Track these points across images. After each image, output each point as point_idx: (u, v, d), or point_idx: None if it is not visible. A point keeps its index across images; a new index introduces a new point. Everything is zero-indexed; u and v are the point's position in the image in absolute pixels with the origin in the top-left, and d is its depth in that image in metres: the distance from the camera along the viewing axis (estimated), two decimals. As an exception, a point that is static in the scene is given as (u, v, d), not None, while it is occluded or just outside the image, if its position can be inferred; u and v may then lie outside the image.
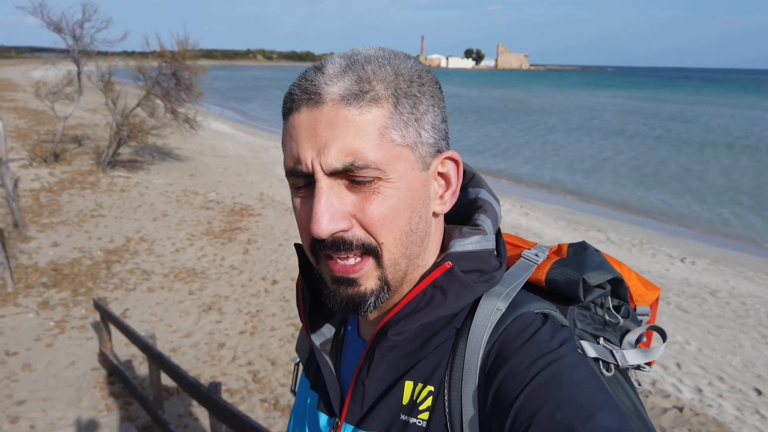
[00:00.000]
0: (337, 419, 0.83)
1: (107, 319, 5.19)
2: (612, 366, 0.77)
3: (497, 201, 0.86)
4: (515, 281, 0.77)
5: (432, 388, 0.74)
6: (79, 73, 14.48)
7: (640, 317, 0.86)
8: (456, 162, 0.77)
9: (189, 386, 3.07)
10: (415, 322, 0.73)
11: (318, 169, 0.68)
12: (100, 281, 7.64)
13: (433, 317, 0.73)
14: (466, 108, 45.30)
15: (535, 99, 59.85)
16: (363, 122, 0.68)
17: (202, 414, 4.91)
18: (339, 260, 0.71)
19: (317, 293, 0.85)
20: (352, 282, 0.72)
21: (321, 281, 0.77)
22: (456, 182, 0.78)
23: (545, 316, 0.74)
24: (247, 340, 6.26)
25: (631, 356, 0.79)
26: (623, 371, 0.79)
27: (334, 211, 0.68)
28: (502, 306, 0.73)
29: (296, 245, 0.86)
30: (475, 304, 0.75)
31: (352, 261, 0.71)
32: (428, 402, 0.74)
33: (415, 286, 0.75)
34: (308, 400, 0.92)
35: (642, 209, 14.19)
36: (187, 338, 6.26)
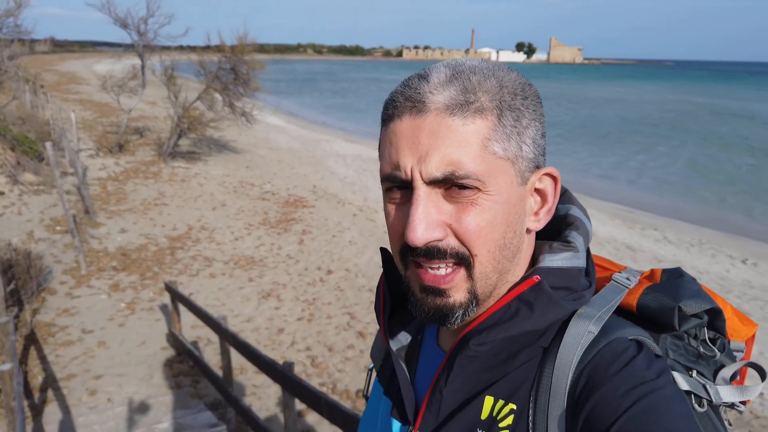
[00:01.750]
0: (411, 428, 0.82)
1: (178, 300, 5.47)
2: (705, 402, 0.73)
3: (588, 219, 0.85)
4: (606, 304, 0.74)
5: (514, 407, 0.72)
6: (143, 67, 15.11)
7: (734, 353, 0.82)
8: (554, 179, 0.76)
9: (264, 364, 3.26)
10: (499, 334, 0.71)
11: (417, 176, 0.68)
12: (165, 266, 8.02)
13: (517, 331, 0.71)
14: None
15: (590, 92, 58.42)
16: (466, 133, 0.68)
17: (266, 393, 5.14)
18: (430, 269, 0.71)
19: (396, 299, 0.87)
20: (442, 293, 0.71)
21: (407, 289, 0.76)
22: (552, 199, 0.77)
23: (639, 344, 0.71)
24: (305, 326, 6.48)
25: (725, 393, 0.75)
26: (715, 408, 0.75)
27: (430, 219, 0.68)
28: (594, 329, 0.71)
29: (382, 249, 0.87)
30: (564, 324, 0.73)
31: (443, 271, 0.71)
32: (509, 420, 0.72)
33: (500, 299, 0.73)
34: (381, 406, 0.92)
35: (699, 209, 13.77)
36: (249, 323, 6.52)
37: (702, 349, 0.77)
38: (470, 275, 0.71)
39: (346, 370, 5.56)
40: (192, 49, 18.45)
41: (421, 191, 0.69)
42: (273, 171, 14.86)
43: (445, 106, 0.68)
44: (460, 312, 0.72)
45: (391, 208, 0.75)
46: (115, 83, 16.31)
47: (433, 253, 0.70)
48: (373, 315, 6.73)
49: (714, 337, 0.79)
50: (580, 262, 0.78)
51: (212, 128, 15.64)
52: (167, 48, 16.12)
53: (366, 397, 1.02)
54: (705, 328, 0.78)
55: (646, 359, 0.68)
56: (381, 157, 0.75)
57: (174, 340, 5.78)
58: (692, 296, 0.75)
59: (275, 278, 7.82)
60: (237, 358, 5.07)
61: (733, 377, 0.78)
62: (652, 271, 0.83)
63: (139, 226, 9.62)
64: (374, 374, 1.02)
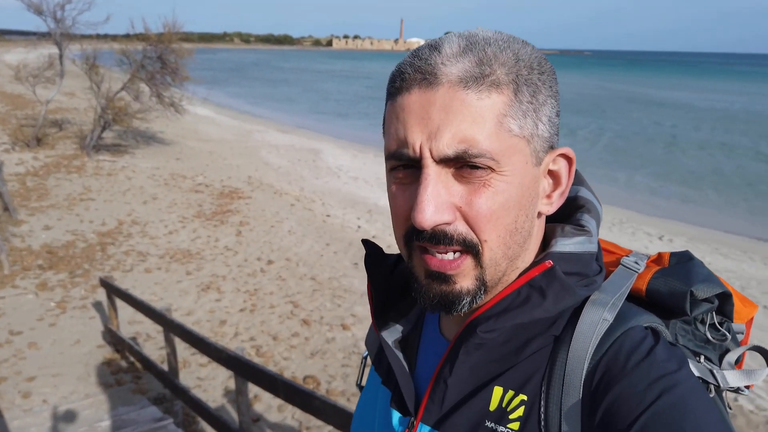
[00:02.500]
0: (412, 418, 0.78)
1: (115, 296, 5.31)
2: (712, 387, 0.71)
3: (599, 201, 0.81)
4: (618, 290, 0.71)
5: (525, 398, 0.68)
6: (61, 57, 14.31)
7: (736, 335, 0.80)
8: (569, 160, 0.72)
9: (215, 351, 3.25)
10: (508, 321, 0.68)
11: (427, 154, 0.63)
12: (97, 263, 7.72)
13: (528, 318, 0.67)
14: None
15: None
16: (481, 108, 0.63)
17: (212, 384, 5.09)
18: (437, 254, 0.66)
19: (392, 288, 0.84)
20: (448, 279, 0.67)
21: (411, 276, 0.72)
22: (567, 182, 0.72)
23: (655, 332, 0.68)
24: (248, 317, 6.43)
25: (732, 377, 0.72)
26: (719, 392, 0.72)
27: (440, 201, 0.64)
28: (609, 317, 0.67)
29: (364, 241, 0.84)
30: (576, 311, 0.70)
31: (450, 256, 0.66)
32: (519, 411, 0.68)
33: (510, 284, 0.69)
34: (379, 396, 0.88)
35: (620, 189, 14.58)
36: (189, 316, 6.41)
37: (710, 335, 0.75)
38: (478, 262, 0.67)
39: (292, 357, 5.58)
40: (114, 38, 17.63)
41: (431, 170, 0.63)
42: (205, 162, 14.50)
43: (459, 79, 0.63)
44: (468, 300, 0.68)
45: (396, 189, 0.69)
46: (30, 73, 15.37)
47: (440, 237, 0.65)
48: (318, 302, 6.78)
49: (721, 321, 0.76)
50: (593, 246, 0.74)
51: (139, 120, 15.05)
52: (87, 36, 15.31)
53: (360, 387, 0.98)
54: (714, 313, 0.76)
55: (665, 349, 0.65)
56: (386, 133, 0.69)
57: (112, 336, 5.61)
58: (704, 280, 0.73)
59: (214, 270, 7.70)
60: (179, 353, 5.00)
61: (736, 361, 0.76)
62: (660, 255, 0.81)
63: (65, 222, 9.19)
64: (369, 362, 0.97)
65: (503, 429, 0.68)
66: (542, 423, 0.66)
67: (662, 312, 0.73)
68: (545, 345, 0.70)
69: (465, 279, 0.67)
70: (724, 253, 9.81)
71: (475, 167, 0.63)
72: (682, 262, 0.77)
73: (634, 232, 10.75)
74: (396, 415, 0.81)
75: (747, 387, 0.72)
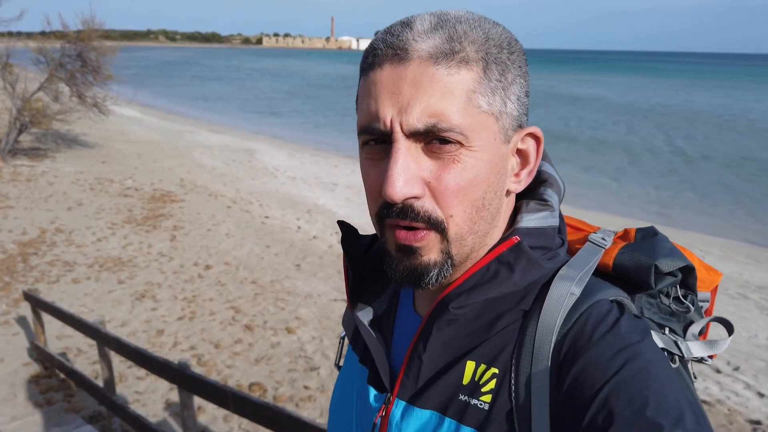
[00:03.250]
0: (388, 394, 0.79)
1: (41, 310, 4.98)
2: (676, 358, 0.73)
3: (560, 176, 0.84)
4: (586, 265, 0.73)
5: (497, 371, 0.70)
6: (-31, 55, 13.32)
7: (700, 303, 0.82)
8: (537, 139, 0.73)
9: (157, 365, 3.08)
10: (478, 296, 0.70)
11: (397, 128, 0.65)
12: (18, 275, 7.23)
13: (497, 293, 0.70)
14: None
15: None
16: (450, 83, 0.64)
17: (152, 398, 4.86)
18: (404, 228, 0.68)
19: (367, 268, 0.86)
20: (414, 251, 0.68)
21: (384, 252, 0.73)
22: (534, 161, 0.74)
23: (620, 305, 0.71)
24: (187, 325, 6.19)
25: (695, 348, 0.75)
26: (684, 363, 0.75)
27: (410, 174, 0.65)
28: (576, 290, 0.69)
29: (339, 222, 0.85)
30: (545, 286, 0.72)
31: (415, 230, 0.68)
32: (492, 384, 0.70)
33: (479, 261, 0.71)
34: (357, 374, 0.88)
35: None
36: (124, 327, 6.10)
37: (674, 307, 0.77)
38: (444, 237, 0.68)
39: (236, 365, 5.41)
40: (29, 36, 16.57)
41: (401, 144, 0.65)
42: (134, 165, 13.88)
43: (429, 55, 0.64)
44: (435, 272, 0.69)
45: (369, 165, 0.71)
46: (-66, 73, 14.22)
47: (407, 212, 0.66)
48: (260, 306, 6.62)
49: (684, 294, 0.79)
50: (556, 221, 0.77)
51: (59, 121, 14.23)
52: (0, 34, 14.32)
53: (338, 367, 0.98)
54: (678, 286, 0.78)
55: (629, 321, 0.67)
56: (358, 109, 0.70)
57: (39, 353, 5.25)
58: (668, 254, 0.76)
59: (148, 278, 7.37)
60: (114, 366, 4.74)
61: (701, 332, 0.79)
62: (626, 231, 0.83)
63: (-19, 233, 8.55)
64: (346, 342, 0.99)
65: (476, 401, 0.70)
66: (512, 394, 0.68)
67: (628, 286, 0.75)
68: (515, 320, 0.72)
69: (431, 252, 0.69)
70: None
71: (445, 141, 0.65)
72: (648, 238, 0.80)
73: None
74: (372, 392, 0.82)
75: (710, 357, 0.76)
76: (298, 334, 6.02)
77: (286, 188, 12.56)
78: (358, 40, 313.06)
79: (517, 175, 0.74)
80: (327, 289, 7.10)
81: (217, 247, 8.56)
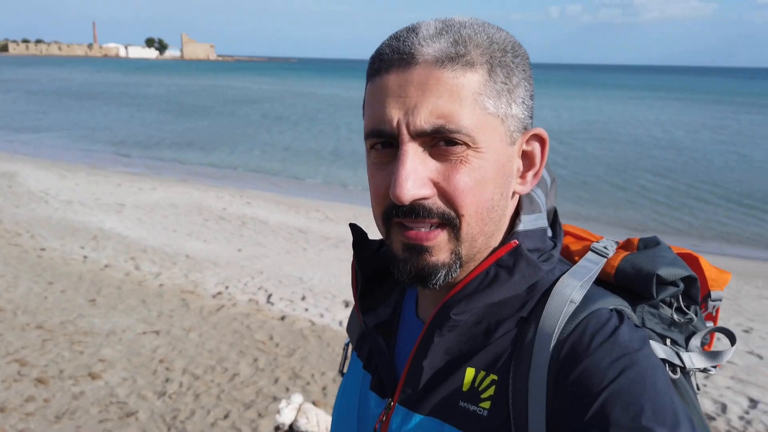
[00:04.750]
0: (389, 400, 0.79)
1: None
2: (678, 369, 0.73)
3: (551, 177, 0.85)
4: (587, 273, 0.74)
5: (496, 377, 0.71)
6: None
7: (712, 303, 0.84)
8: (542, 141, 0.75)
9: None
10: (479, 302, 0.71)
11: (404, 131, 0.65)
12: None
13: (498, 297, 0.71)
14: (154, 96, 42.61)
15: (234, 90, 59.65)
16: (457, 86, 0.65)
17: None
18: (414, 227, 0.69)
19: (372, 275, 0.86)
20: (425, 250, 0.69)
21: (390, 253, 0.73)
22: (540, 163, 0.75)
23: (620, 314, 0.71)
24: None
25: (698, 359, 0.75)
26: (686, 374, 0.75)
27: (418, 175, 0.65)
28: (577, 298, 0.70)
29: (351, 225, 0.85)
30: (545, 293, 0.72)
31: (426, 228, 0.69)
32: (491, 391, 0.70)
33: (478, 265, 0.72)
34: (360, 380, 0.89)
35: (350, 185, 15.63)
36: None
37: (676, 317, 0.78)
38: (456, 236, 0.69)
39: (30, 427, 4.59)
40: None
41: (408, 147, 0.66)
42: None
43: (435, 59, 0.66)
44: (443, 273, 0.70)
45: (375, 168, 0.71)
46: None
47: (418, 211, 0.67)
48: (52, 354, 5.72)
49: (687, 305, 0.80)
50: (545, 222, 0.79)
51: None
52: None
53: (342, 373, 0.99)
54: (680, 296, 0.79)
55: (628, 330, 0.68)
56: (365, 114, 0.71)
57: None
58: (670, 264, 0.76)
59: None
60: None
61: (703, 342, 0.80)
62: (629, 240, 0.84)
63: None
64: (351, 349, 0.98)
65: (476, 408, 0.71)
66: (510, 401, 0.69)
67: (630, 296, 0.77)
68: (515, 327, 0.73)
69: (441, 252, 0.69)
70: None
71: (452, 143, 0.66)
72: (650, 247, 0.81)
73: (368, 225, 11.63)
74: (374, 398, 0.83)
75: (714, 367, 0.77)
76: (105, 379, 5.34)
77: (62, 214, 11.08)
78: (126, 47, 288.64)
79: (522, 177, 0.75)
80: (132, 322, 6.42)
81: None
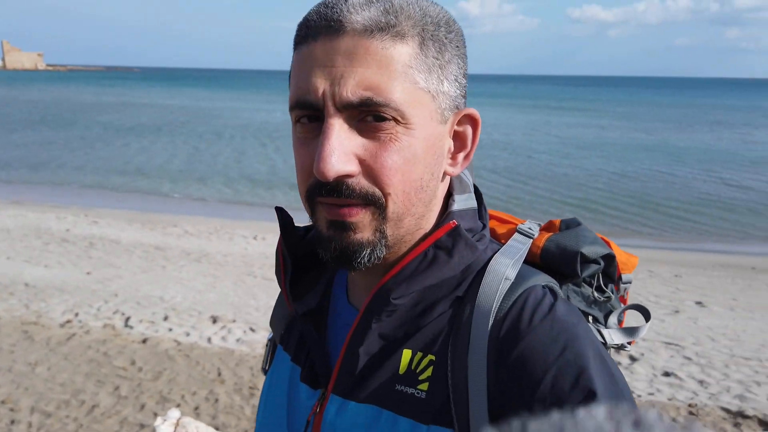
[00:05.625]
0: (323, 390, 0.76)
1: None
2: None
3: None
4: (517, 253, 0.74)
5: (433, 358, 0.70)
6: None
7: (623, 285, 0.87)
8: (475, 123, 0.73)
9: None
10: (418, 285, 0.69)
11: (329, 102, 0.62)
12: None
13: (436, 278, 0.69)
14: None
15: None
16: (386, 57, 0.62)
17: None
18: (337, 206, 0.66)
19: (298, 263, 0.82)
20: (347, 227, 0.66)
21: (315, 232, 0.71)
22: (472, 144, 0.73)
23: (552, 290, 0.72)
24: None
25: (617, 335, 0.78)
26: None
27: (343, 150, 0.62)
28: (511, 276, 0.70)
29: (277, 208, 0.81)
30: (479, 273, 0.72)
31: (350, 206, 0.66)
32: (428, 372, 0.69)
33: (415, 247, 0.71)
34: (287, 374, 0.85)
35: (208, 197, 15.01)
36: None
37: (596, 295, 0.81)
38: (381, 214, 0.67)
39: None
40: None
41: (334, 120, 0.63)
42: None
43: (364, 28, 0.63)
44: (367, 251, 0.67)
45: (300, 144, 0.68)
46: None
47: (341, 190, 0.64)
48: None
49: (605, 283, 0.83)
50: (474, 202, 0.78)
51: None
52: None
53: (265, 371, 0.93)
54: (600, 275, 0.82)
55: (564, 306, 0.69)
56: (291, 85, 0.67)
57: None
58: (591, 242, 0.79)
59: None
60: None
61: (618, 320, 0.83)
62: (551, 222, 0.86)
63: None
64: (276, 344, 0.93)
65: (413, 390, 0.69)
66: (450, 380, 0.68)
67: (554, 275, 0.79)
68: (451, 306, 0.72)
69: (365, 229, 0.67)
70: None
71: (380, 119, 0.63)
72: (572, 227, 0.84)
73: (231, 237, 11.26)
74: (305, 390, 0.79)
75: (629, 343, 0.81)
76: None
77: None
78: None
79: (453, 158, 0.73)
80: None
81: None
